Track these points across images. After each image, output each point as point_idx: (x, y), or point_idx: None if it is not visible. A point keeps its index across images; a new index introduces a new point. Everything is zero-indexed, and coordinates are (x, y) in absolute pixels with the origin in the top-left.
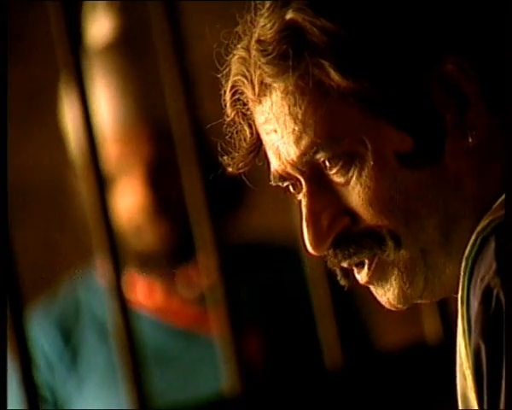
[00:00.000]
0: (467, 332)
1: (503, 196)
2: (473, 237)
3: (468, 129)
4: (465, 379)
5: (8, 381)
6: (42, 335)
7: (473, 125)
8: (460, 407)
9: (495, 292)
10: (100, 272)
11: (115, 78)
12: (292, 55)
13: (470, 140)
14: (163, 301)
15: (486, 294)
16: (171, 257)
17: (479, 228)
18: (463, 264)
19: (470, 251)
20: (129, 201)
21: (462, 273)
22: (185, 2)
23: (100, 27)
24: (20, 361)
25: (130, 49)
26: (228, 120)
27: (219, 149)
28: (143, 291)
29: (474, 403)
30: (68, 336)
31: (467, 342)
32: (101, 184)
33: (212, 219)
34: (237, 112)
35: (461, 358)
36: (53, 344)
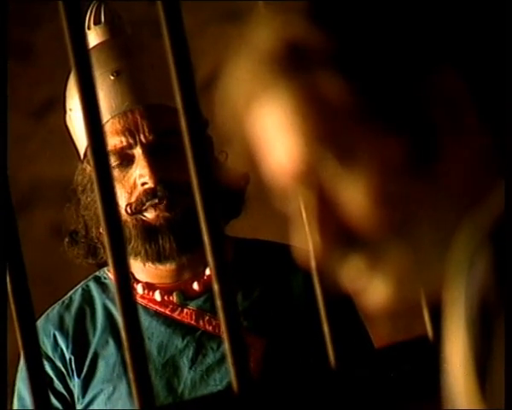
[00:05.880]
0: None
1: (494, 197)
2: (468, 238)
3: (461, 135)
4: (452, 379)
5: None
6: (52, 338)
7: (466, 131)
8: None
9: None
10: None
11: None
12: (291, 66)
13: (463, 145)
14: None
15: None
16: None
17: (474, 230)
18: (458, 265)
19: (466, 252)
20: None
21: (456, 274)
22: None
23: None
24: (29, 366)
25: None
26: None
27: None
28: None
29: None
30: (82, 339)
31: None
32: (109, 178)
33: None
34: None
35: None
36: (64, 347)
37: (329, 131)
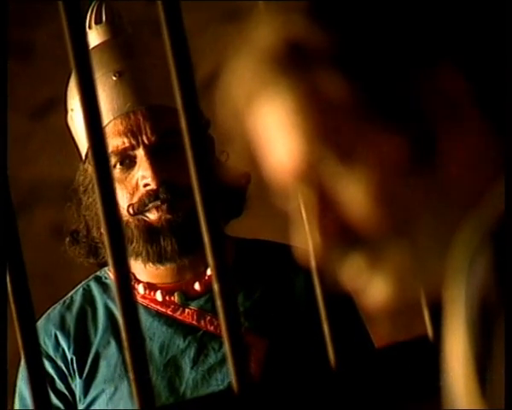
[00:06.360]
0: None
1: (494, 196)
2: (468, 237)
3: (462, 134)
4: (452, 379)
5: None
6: (53, 338)
7: (466, 130)
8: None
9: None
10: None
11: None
12: (292, 64)
13: (464, 144)
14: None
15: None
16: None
17: (474, 229)
18: (458, 264)
19: (466, 251)
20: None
21: (456, 273)
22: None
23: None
24: (29, 366)
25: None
26: None
27: None
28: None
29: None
30: (84, 339)
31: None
32: (109, 179)
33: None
34: None
35: (447, 357)
36: (65, 348)
37: (330, 129)
